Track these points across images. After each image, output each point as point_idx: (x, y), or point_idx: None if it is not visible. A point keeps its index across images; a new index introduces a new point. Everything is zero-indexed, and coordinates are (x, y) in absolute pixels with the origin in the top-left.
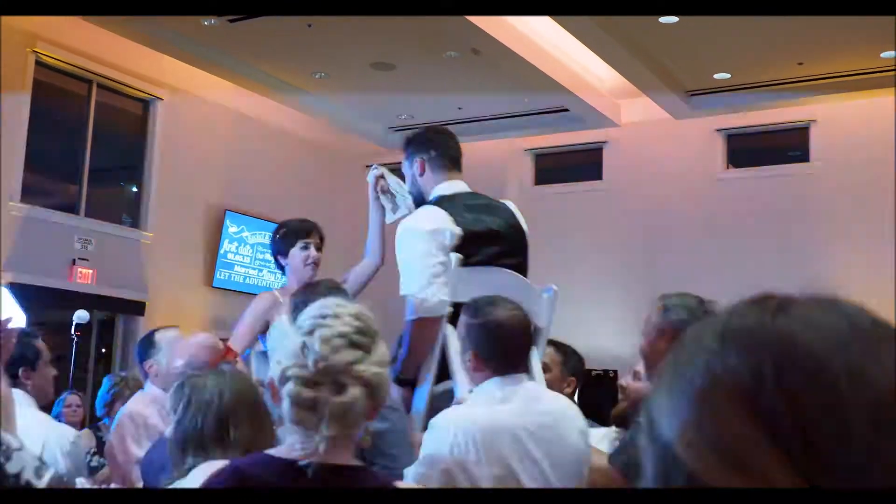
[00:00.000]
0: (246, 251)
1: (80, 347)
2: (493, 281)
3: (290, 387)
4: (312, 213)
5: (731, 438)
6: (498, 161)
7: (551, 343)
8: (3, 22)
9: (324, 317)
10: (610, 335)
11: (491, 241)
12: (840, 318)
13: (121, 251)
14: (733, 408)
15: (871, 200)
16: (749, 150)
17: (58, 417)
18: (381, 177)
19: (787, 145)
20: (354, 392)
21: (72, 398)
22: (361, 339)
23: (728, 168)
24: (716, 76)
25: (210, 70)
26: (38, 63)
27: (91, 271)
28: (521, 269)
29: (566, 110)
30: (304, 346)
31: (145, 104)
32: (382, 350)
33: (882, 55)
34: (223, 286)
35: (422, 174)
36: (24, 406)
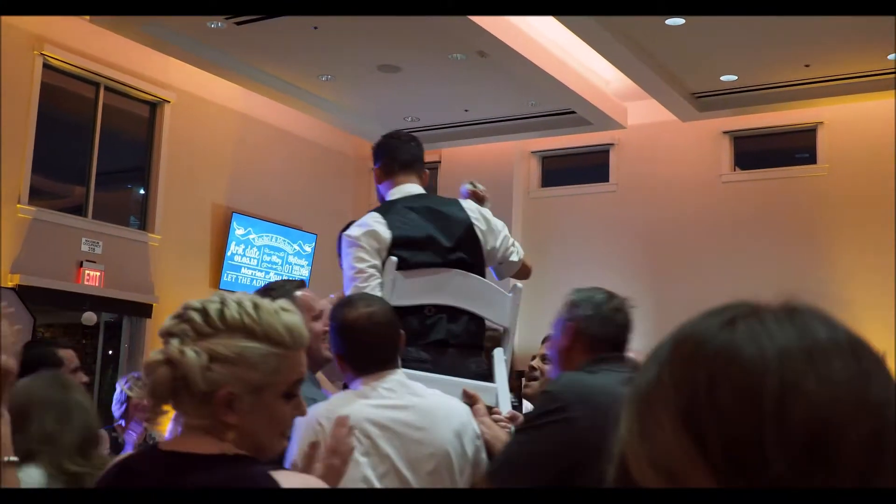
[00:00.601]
0: (253, 253)
1: (87, 349)
2: (434, 283)
3: None
4: (318, 215)
5: (665, 451)
6: (504, 163)
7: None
8: (11, 24)
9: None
10: None
11: (428, 243)
12: (794, 331)
13: (128, 253)
14: (670, 421)
15: (878, 202)
16: (756, 152)
17: None
18: (474, 188)
19: (795, 147)
20: (154, 357)
21: None
22: (194, 318)
23: (734, 170)
24: (722, 78)
25: (217, 72)
26: (46, 66)
27: (98, 273)
28: (471, 267)
29: (573, 112)
30: None
31: (152, 107)
32: (227, 343)
33: (889, 57)
34: (230, 288)
35: (378, 182)
36: None
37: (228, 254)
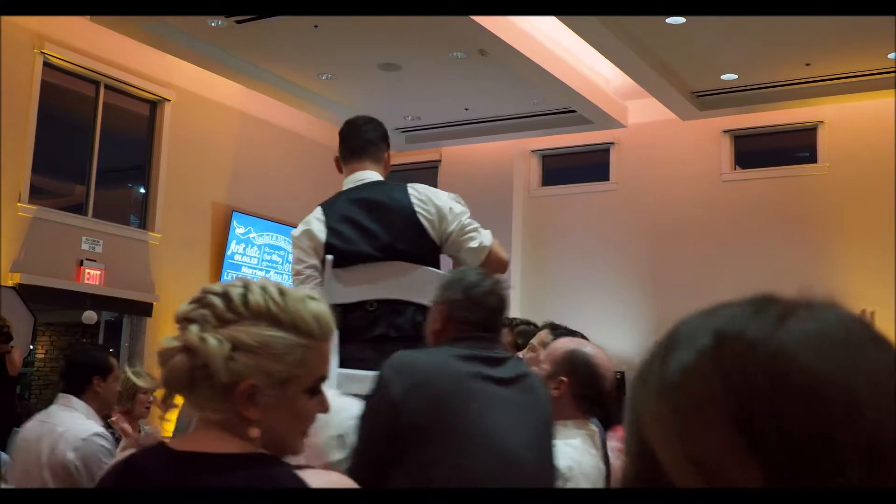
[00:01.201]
0: (253, 252)
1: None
2: (374, 277)
3: None
4: None
5: (712, 452)
6: (505, 162)
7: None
8: (11, 23)
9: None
10: (616, 336)
11: (366, 236)
12: (840, 333)
13: (128, 252)
14: (722, 422)
15: (879, 201)
16: (756, 151)
17: None
18: None
19: (795, 146)
20: (170, 344)
21: None
22: (215, 302)
23: (735, 169)
24: (723, 77)
25: (217, 71)
26: (46, 64)
27: (99, 272)
28: (414, 257)
29: (573, 111)
30: None
31: (153, 105)
32: (250, 331)
33: (889, 56)
34: None
35: (339, 172)
36: (81, 417)
37: (229, 252)
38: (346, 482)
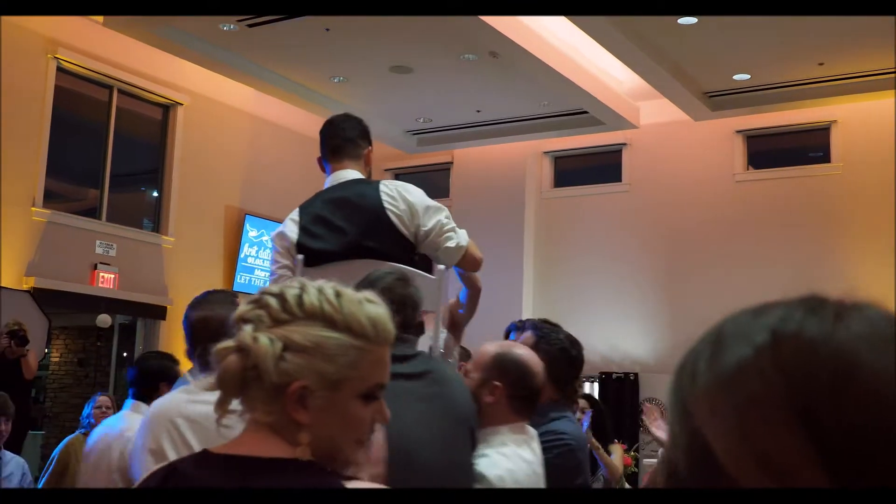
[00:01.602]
0: (266, 255)
1: (101, 351)
2: (344, 275)
3: None
4: None
5: (777, 451)
6: (517, 163)
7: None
8: (24, 28)
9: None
10: (629, 337)
11: (336, 236)
12: (891, 331)
13: (142, 255)
14: (784, 422)
15: (893, 201)
16: (769, 151)
17: (88, 418)
18: None
19: (808, 146)
20: (226, 344)
21: (103, 399)
22: (271, 302)
23: (748, 169)
24: (735, 77)
25: (229, 75)
26: (60, 69)
27: (113, 276)
28: (385, 255)
29: (585, 112)
30: None
31: (166, 109)
32: (306, 332)
33: None
34: (244, 290)
35: (323, 172)
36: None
37: (242, 255)
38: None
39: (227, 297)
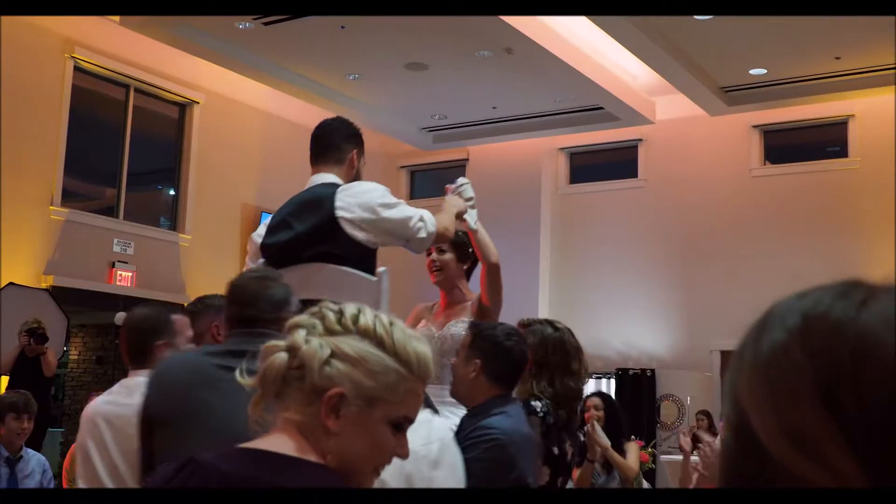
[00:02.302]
0: None
1: (119, 348)
2: (295, 279)
3: None
4: None
5: (800, 425)
6: (532, 160)
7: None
8: (42, 28)
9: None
10: (646, 334)
11: (290, 240)
12: None
13: (159, 253)
14: (807, 395)
15: None
16: (786, 146)
17: None
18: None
19: (825, 141)
20: (277, 342)
21: None
22: (329, 315)
23: (764, 164)
24: (751, 72)
25: (245, 73)
26: (77, 69)
27: (130, 273)
28: (337, 258)
29: (601, 108)
30: None
31: (182, 108)
32: (354, 345)
33: None
34: None
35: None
36: None
37: None
38: None
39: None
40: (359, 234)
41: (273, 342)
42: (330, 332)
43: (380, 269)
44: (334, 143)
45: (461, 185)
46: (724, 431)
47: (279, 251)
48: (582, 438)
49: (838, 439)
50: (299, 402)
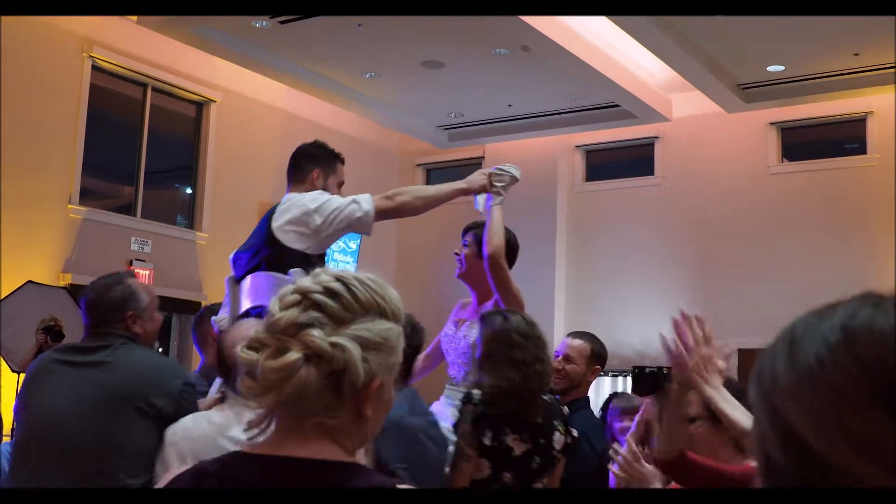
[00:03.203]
0: None
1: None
2: (245, 288)
3: (238, 349)
4: None
5: (865, 431)
6: (548, 158)
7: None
8: (59, 27)
9: (312, 276)
10: (663, 331)
11: (247, 250)
12: None
13: (177, 252)
14: (867, 403)
15: None
16: (804, 143)
17: None
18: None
19: (844, 138)
20: (292, 357)
21: None
22: (327, 302)
23: (782, 162)
24: (769, 68)
25: (262, 71)
26: (95, 68)
27: (148, 272)
28: (270, 266)
29: (617, 106)
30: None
31: (199, 106)
32: (372, 327)
33: None
34: None
35: None
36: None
37: None
38: None
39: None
40: (295, 244)
41: (286, 358)
42: (339, 321)
43: (295, 269)
44: (297, 164)
45: (501, 171)
46: (759, 447)
47: (232, 265)
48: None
49: None
50: (329, 406)
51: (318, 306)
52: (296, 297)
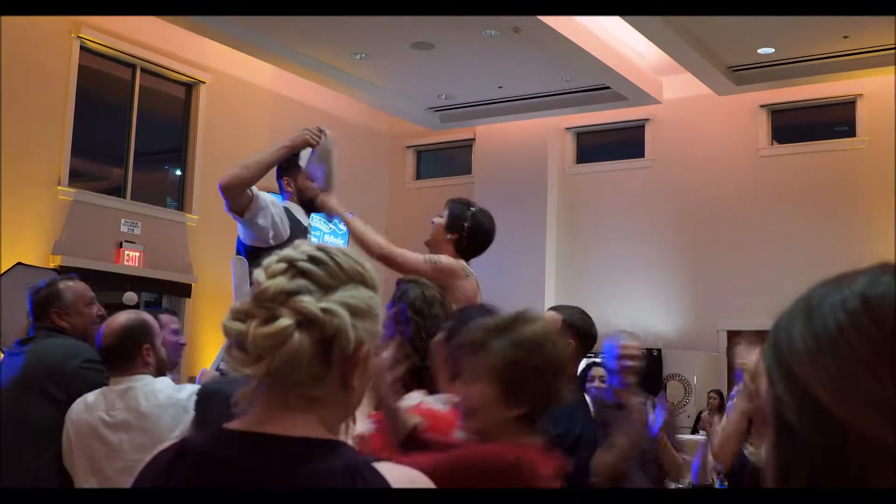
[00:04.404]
0: None
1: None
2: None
3: (224, 321)
4: (354, 194)
5: (884, 394)
6: (539, 140)
7: None
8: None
9: (292, 246)
10: (653, 313)
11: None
12: None
13: (167, 233)
14: (886, 366)
15: None
16: (794, 125)
17: None
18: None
19: (834, 120)
20: (284, 323)
21: None
22: (313, 270)
23: (772, 144)
24: (759, 51)
25: (251, 53)
26: (83, 48)
27: (138, 253)
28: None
29: (608, 88)
30: (252, 279)
31: (188, 88)
32: (357, 294)
33: None
34: None
35: None
36: None
37: None
38: (423, 480)
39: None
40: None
41: (278, 323)
42: (326, 287)
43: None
44: (277, 168)
45: (325, 133)
46: (773, 412)
47: None
48: None
49: None
50: (317, 375)
51: (304, 274)
52: (282, 265)
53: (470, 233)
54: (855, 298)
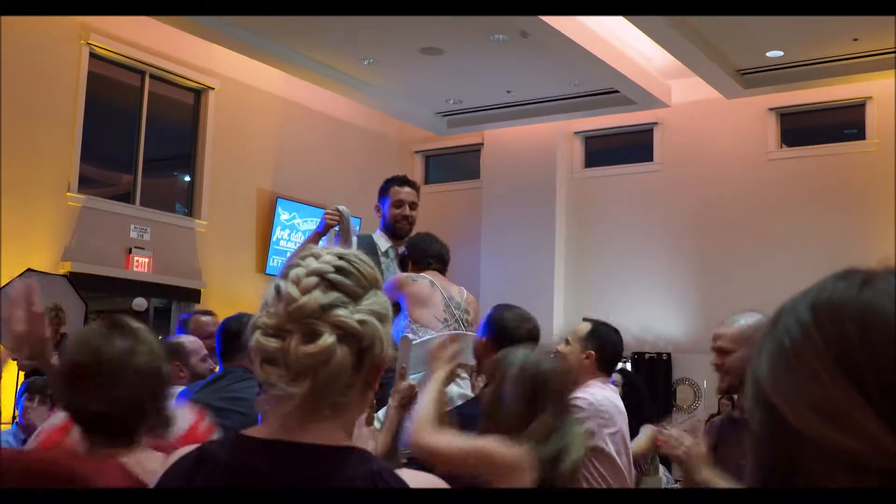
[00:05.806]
0: (298, 238)
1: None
2: None
3: (255, 337)
4: (362, 199)
5: (825, 397)
6: (548, 144)
7: None
8: (57, 16)
9: (303, 257)
10: (662, 317)
11: None
12: None
13: (176, 239)
14: (826, 369)
15: None
16: (803, 128)
17: None
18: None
19: (843, 123)
20: (328, 340)
21: None
22: (343, 281)
23: (781, 147)
24: (768, 54)
25: (260, 59)
26: (92, 55)
27: (147, 259)
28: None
29: (616, 91)
30: (277, 290)
31: (197, 94)
32: (378, 300)
33: None
34: (276, 273)
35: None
36: None
37: (274, 238)
38: (439, 483)
39: None
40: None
41: (323, 341)
42: (355, 297)
43: None
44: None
45: (334, 210)
46: (750, 423)
47: None
48: None
49: (860, 404)
50: (349, 384)
51: (335, 286)
52: (314, 279)
53: (411, 252)
54: (804, 305)
